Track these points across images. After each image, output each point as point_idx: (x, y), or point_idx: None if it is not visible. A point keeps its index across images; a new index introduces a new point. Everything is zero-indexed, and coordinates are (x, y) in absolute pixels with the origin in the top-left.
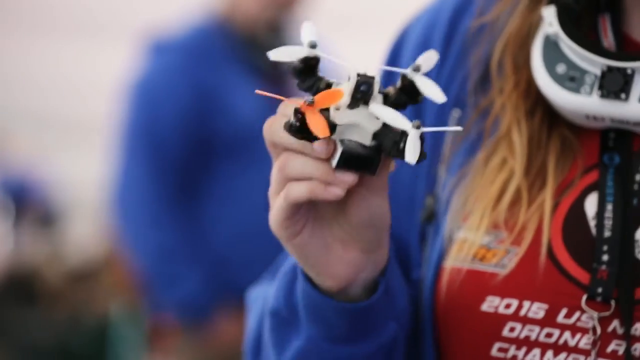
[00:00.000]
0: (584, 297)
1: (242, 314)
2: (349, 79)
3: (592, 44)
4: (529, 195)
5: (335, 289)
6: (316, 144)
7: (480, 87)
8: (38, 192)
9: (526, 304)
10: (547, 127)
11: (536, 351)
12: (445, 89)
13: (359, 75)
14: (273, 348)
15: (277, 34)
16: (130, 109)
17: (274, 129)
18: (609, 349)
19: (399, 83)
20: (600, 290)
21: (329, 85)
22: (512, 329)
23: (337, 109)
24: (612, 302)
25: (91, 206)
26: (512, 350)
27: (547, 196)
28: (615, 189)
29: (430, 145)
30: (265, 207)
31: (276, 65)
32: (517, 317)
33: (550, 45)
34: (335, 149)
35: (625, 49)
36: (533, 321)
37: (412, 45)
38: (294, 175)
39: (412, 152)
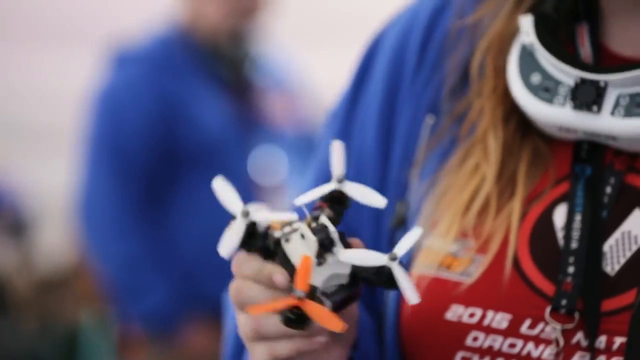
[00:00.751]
0: (548, 309)
1: (210, 324)
2: (302, 234)
3: (566, 55)
4: (497, 203)
5: None
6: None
7: (456, 92)
8: (7, 200)
9: (490, 313)
10: (520, 135)
11: None
12: (420, 95)
13: (316, 234)
14: None
15: (239, 44)
16: (94, 119)
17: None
18: None
19: (322, 199)
20: (564, 302)
21: (276, 243)
22: (475, 339)
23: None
24: (576, 315)
25: (60, 215)
26: None
27: (516, 205)
28: (584, 200)
29: (402, 151)
30: (231, 216)
31: (239, 75)
32: (481, 327)
33: (527, 55)
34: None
35: (602, 60)
36: (497, 331)
37: (387, 51)
38: (273, 336)
39: (409, 290)
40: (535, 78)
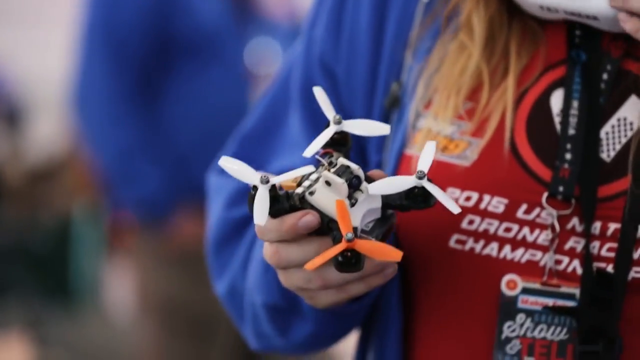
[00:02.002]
0: (545, 194)
1: (203, 213)
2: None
3: None
4: (490, 80)
5: None
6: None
7: None
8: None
9: (486, 197)
10: (506, 10)
11: (494, 245)
12: None
13: (342, 176)
14: (274, 331)
15: None
16: (90, 7)
17: (290, 254)
18: (567, 246)
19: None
20: (561, 188)
21: (301, 198)
22: (471, 222)
23: None
24: (573, 201)
25: (54, 105)
26: (469, 243)
27: (510, 82)
28: (582, 86)
29: (396, 31)
30: (225, 106)
31: None
32: (477, 210)
33: None
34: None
35: None
36: (492, 215)
37: None
38: (341, 284)
39: (448, 200)
40: None
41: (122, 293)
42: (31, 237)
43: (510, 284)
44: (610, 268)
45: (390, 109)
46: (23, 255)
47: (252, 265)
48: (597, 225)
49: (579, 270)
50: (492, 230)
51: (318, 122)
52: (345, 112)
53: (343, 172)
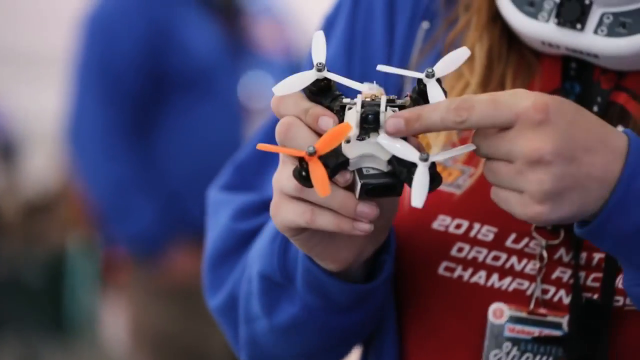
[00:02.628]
0: (534, 224)
1: (196, 248)
2: (357, 104)
3: None
4: None
5: (337, 270)
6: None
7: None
8: None
9: (476, 225)
10: (506, 42)
11: (482, 273)
12: (416, 2)
13: (363, 105)
14: (262, 308)
15: None
16: (85, 42)
17: (282, 177)
18: (554, 275)
19: (413, 91)
20: None
21: (342, 107)
22: (460, 249)
23: (348, 141)
24: (562, 231)
25: (49, 139)
26: (458, 270)
27: None
28: None
29: (400, 55)
30: (219, 141)
31: (229, 0)
32: (467, 238)
33: None
34: (354, 181)
35: None
36: (482, 243)
37: None
38: (317, 203)
39: (418, 194)
40: None
41: (117, 327)
42: (26, 270)
43: (497, 313)
44: (595, 297)
45: None
46: (18, 289)
47: (259, 237)
48: (583, 256)
49: (565, 300)
50: (480, 258)
51: None
52: None
53: (370, 105)
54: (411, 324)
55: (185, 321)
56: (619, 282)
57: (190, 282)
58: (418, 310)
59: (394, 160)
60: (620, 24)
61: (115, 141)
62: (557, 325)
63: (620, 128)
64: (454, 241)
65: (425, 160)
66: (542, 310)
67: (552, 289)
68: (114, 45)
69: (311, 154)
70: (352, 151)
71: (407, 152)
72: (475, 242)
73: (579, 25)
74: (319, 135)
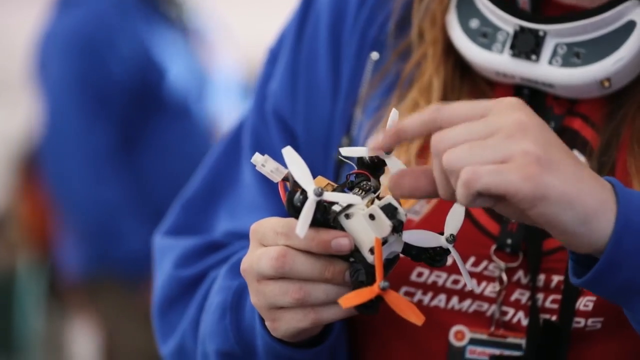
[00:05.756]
0: (493, 247)
1: None
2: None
3: (505, 3)
4: None
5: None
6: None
7: (402, 29)
8: None
9: None
10: (459, 74)
11: (442, 297)
12: (365, 31)
13: (390, 219)
14: None
15: None
16: (65, 61)
17: (296, 262)
18: (513, 297)
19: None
20: (509, 241)
21: (335, 217)
22: (419, 274)
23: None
24: (520, 254)
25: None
26: (418, 295)
27: None
28: None
29: (348, 86)
30: (196, 160)
31: (183, 21)
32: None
33: (466, 1)
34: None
35: (542, 8)
36: (442, 268)
37: None
38: (319, 303)
39: (467, 274)
40: (474, 23)
41: (78, 347)
42: None
43: (458, 335)
44: (554, 319)
45: (341, 164)
46: None
47: (206, 314)
48: (541, 278)
49: (524, 321)
50: (440, 282)
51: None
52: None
53: (391, 213)
54: (370, 347)
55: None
56: (581, 304)
57: None
58: (378, 334)
59: (411, 248)
60: (575, 54)
61: (104, 163)
62: (518, 347)
63: (575, 152)
64: (413, 266)
65: (450, 242)
66: (502, 332)
67: (511, 311)
68: (98, 63)
69: (385, 289)
70: (386, 253)
71: (432, 239)
72: (434, 267)
73: (534, 57)
74: (316, 256)
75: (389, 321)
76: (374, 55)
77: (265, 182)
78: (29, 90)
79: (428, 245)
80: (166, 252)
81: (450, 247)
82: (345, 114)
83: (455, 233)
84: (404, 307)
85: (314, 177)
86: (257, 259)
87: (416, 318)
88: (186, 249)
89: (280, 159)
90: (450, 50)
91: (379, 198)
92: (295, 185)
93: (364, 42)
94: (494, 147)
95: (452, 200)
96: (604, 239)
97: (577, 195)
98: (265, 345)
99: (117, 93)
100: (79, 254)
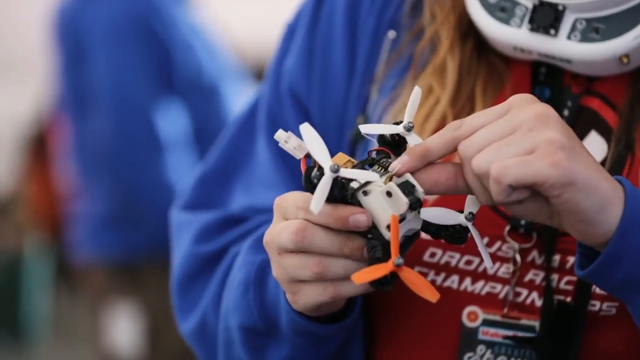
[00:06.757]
0: (507, 228)
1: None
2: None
3: None
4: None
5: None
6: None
7: (417, 7)
8: None
9: None
10: (477, 53)
11: (454, 277)
12: (381, 10)
13: (407, 196)
14: (249, 355)
15: None
16: (134, 48)
17: (315, 236)
18: (527, 278)
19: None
20: (523, 221)
21: (353, 193)
22: (432, 254)
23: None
24: (534, 234)
25: (4, 143)
26: (431, 275)
27: None
28: None
29: (364, 66)
30: None
31: None
32: (439, 243)
33: None
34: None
35: None
36: (454, 248)
37: None
38: (338, 277)
39: (485, 252)
40: None
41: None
42: None
43: (471, 316)
44: (568, 300)
45: (355, 143)
46: None
47: (229, 289)
48: (556, 259)
49: (538, 303)
50: (453, 263)
51: (286, 154)
52: None
53: (409, 190)
54: (383, 327)
55: None
56: (597, 287)
57: None
58: (390, 314)
59: (430, 225)
60: (594, 30)
61: (178, 148)
62: (531, 329)
63: (594, 133)
64: (427, 246)
65: (469, 220)
66: (516, 313)
67: (525, 292)
68: (161, 47)
69: (399, 266)
70: (403, 230)
71: (451, 217)
72: (447, 246)
73: (552, 31)
74: (335, 232)
75: (402, 301)
76: (391, 34)
77: (280, 158)
78: (36, 71)
79: (447, 223)
80: (184, 228)
81: (469, 224)
82: (361, 94)
83: (475, 211)
84: (419, 283)
85: (331, 155)
86: (277, 232)
87: (431, 294)
88: (205, 224)
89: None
90: (467, 33)
91: (397, 175)
92: (316, 162)
93: (380, 21)
94: (518, 142)
95: (492, 204)
96: (612, 231)
97: (598, 181)
98: (289, 319)
99: (179, 76)
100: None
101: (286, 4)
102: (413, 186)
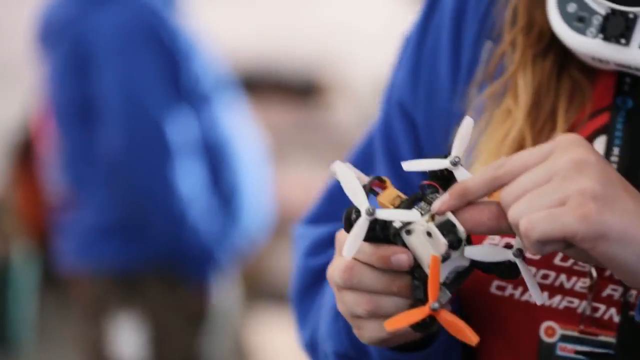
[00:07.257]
0: None
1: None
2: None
3: None
4: (534, 141)
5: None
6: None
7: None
8: None
9: None
10: (557, 69)
11: None
12: (483, 20)
13: (446, 236)
14: None
15: None
16: (144, 56)
17: (363, 275)
18: (605, 293)
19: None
20: None
21: (397, 233)
22: None
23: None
24: None
25: None
26: (509, 289)
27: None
28: (624, 133)
29: (465, 74)
30: None
31: None
32: None
33: None
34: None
35: None
36: (530, 262)
37: None
38: (391, 314)
39: (535, 288)
40: (571, 7)
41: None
42: None
43: (549, 331)
44: None
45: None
46: None
47: (323, 314)
48: None
49: (616, 318)
50: None
51: (399, 167)
52: (425, 157)
53: (448, 230)
54: (465, 344)
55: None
56: None
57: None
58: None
59: (478, 263)
60: None
61: (186, 156)
62: (609, 345)
63: None
64: None
65: (519, 255)
66: (593, 329)
67: (603, 307)
68: (169, 54)
69: (436, 310)
70: (441, 275)
71: (498, 254)
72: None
73: (623, 40)
74: (382, 270)
75: (483, 316)
76: (488, 44)
77: (398, 177)
78: (24, 77)
79: (493, 260)
80: (300, 241)
81: (518, 261)
82: (462, 104)
83: (522, 247)
84: (459, 326)
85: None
86: (333, 269)
87: (471, 337)
88: (317, 238)
89: (403, 150)
90: (547, 51)
91: (438, 214)
92: None
93: (483, 29)
94: (551, 192)
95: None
96: None
97: (636, 231)
98: (375, 348)
99: (189, 82)
100: (121, 247)
101: (275, 13)
102: (454, 225)
